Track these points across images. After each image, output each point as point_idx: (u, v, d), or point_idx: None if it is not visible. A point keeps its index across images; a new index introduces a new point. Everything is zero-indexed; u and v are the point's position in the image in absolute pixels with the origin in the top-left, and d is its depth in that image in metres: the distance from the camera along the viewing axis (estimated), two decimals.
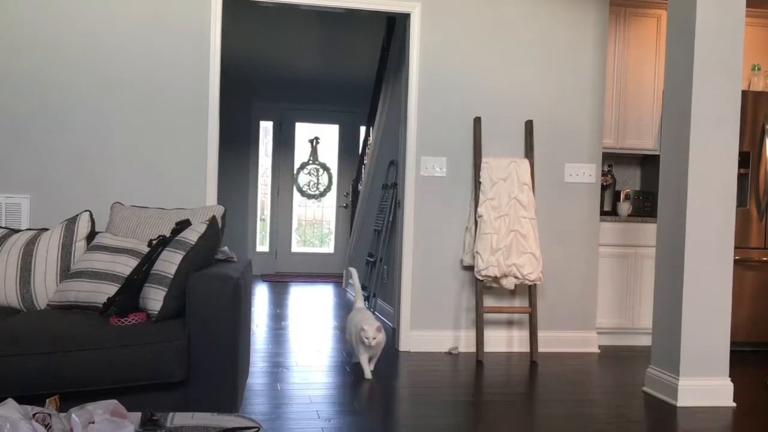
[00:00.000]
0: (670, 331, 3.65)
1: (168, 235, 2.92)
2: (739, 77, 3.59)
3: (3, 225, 4.17)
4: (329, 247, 9.59)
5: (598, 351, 4.88)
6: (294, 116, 9.36)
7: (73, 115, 4.31)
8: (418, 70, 4.69)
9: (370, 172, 7.21)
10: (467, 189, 4.77)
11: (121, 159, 4.37)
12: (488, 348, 4.76)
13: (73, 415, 1.63)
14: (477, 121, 4.71)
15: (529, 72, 4.83)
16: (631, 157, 5.68)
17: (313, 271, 9.38)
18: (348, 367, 4.15)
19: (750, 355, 4.85)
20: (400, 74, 5.46)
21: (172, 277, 2.70)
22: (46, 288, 3.05)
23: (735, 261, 4.74)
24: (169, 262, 2.74)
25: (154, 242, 2.84)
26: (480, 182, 4.62)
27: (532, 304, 4.62)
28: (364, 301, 4.49)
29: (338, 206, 9.52)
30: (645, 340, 5.07)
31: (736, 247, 4.74)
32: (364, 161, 7.88)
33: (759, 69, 5.28)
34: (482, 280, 4.56)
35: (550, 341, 4.84)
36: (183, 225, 2.92)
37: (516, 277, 4.54)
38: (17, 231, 3.25)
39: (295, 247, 9.47)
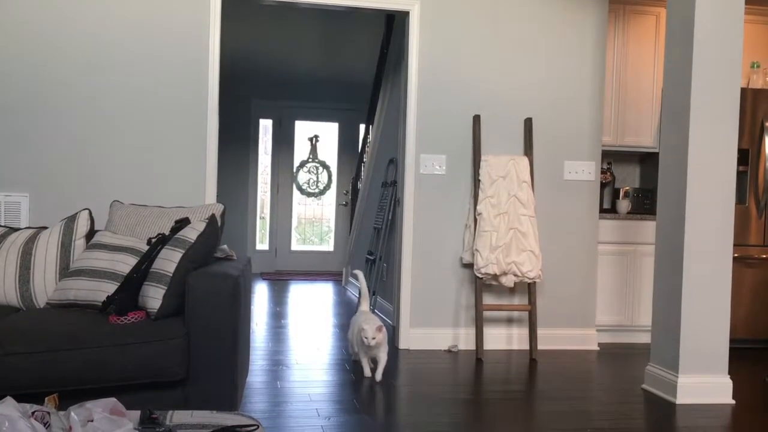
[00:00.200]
0: (669, 329, 3.66)
1: (167, 233, 2.92)
2: (738, 74, 3.59)
3: (2, 223, 4.17)
4: (329, 245, 9.59)
5: (598, 348, 4.88)
6: (293, 114, 9.35)
7: (72, 113, 4.31)
8: (417, 68, 4.69)
9: (370, 170, 7.21)
10: (467, 187, 4.77)
11: (121, 157, 4.37)
12: (488, 346, 4.76)
13: (72, 414, 1.63)
14: (476, 118, 4.71)
15: (529, 70, 4.82)
16: (630, 154, 5.68)
17: (313, 269, 9.38)
18: (348, 365, 4.15)
19: (749, 352, 4.85)
20: (400, 72, 5.45)
21: (171, 275, 2.70)
22: (46, 286, 3.05)
23: (734, 258, 4.75)
24: (169, 261, 2.74)
25: (154, 240, 2.84)
26: (479, 180, 4.62)
27: (532, 301, 4.62)
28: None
29: (338, 204, 9.52)
30: (644, 338, 5.07)
31: (735, 245, 4.74)
32: (364, 159, 7.88)
33: (758, 66, 5.28)
34: (482, 278, 4.56)
35: (550, 339, 4.84)
36: (182, 223, 2.92)
37: (515, 275, 4.54)
38: (16, 229, 3.25)
39: (295, 245, 9.47)
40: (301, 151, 9.45)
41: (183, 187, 4.42)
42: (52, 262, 3.10)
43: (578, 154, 4.89)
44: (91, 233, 3.27)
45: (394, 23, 6.30)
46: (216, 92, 4.46)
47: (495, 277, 4.56)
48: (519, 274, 4.53)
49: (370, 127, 7.43)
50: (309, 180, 9.48)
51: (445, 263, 4.76)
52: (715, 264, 3.59)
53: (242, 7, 8.19)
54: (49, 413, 1.68)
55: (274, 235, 9.34)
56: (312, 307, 6.40)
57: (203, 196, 4.44)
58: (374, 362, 3.85)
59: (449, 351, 4.68)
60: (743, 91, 4.87)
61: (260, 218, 9.35)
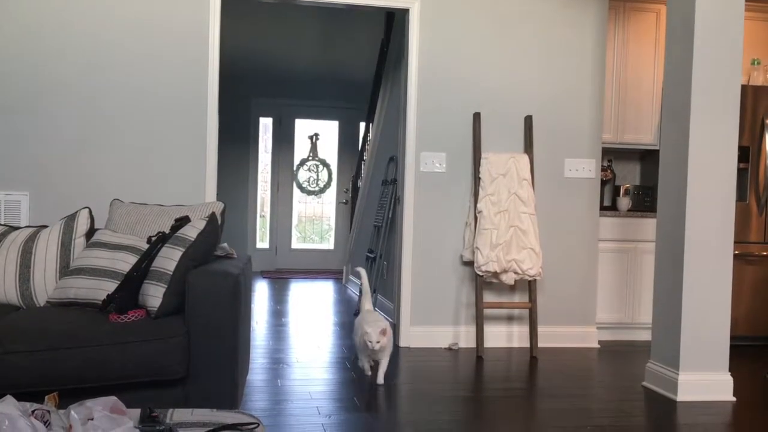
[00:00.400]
0: (669, 326, 3.66)
1: (167, 231, 2.91)
2: (738, 71, 3.58)
3: (2, 222, 4.17)
4: (329, 244, 9.59)
5: (598, 346, 4.88)
6: (293, 112, 9.35)
7: (72, 113, 4.30)
8: (417, 66, 4.69)
9: (370, 168, 7.20)
10: (467, 185, 4.77)
11: (121, 156, 4.36)
12: (488, 343, 4.76)
13: (72, 412, 1.63)
14: (476, 116, 4.70)
15: (529, 67, 4.82)
16: (630, 152, 5.67)
17: (313, 268, 9.38)
18: (348, 363, 4.15)
19: (750, 350, 4.85)
20: (400, 70, 5.45)
21: (171, 273, 2.70)
22: (46, 285, 3.05)
23: (735, 255, 4.74)
24: (169, 259, 2.73)
25: (154, 239, 2.84)
26: (479, 178, 4.62)
27: (532, 299, 4.62)
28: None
29: (338, 202, 9.52)
30: (645, 335, 5.07)
31: (735, 242, 4.73)
32: (364, 157, 7.88)
33: (758, 63, 5.27)
34: (482, 276, 4.56)
35: (550, 336, 4.84)
36: (182, 222, 2.92)
37: (516, 273, 4.54)
38: (16, 228, 3.25)
39: (295, 244, 9.47)
40: (301, 149, 9.45)
41: (183, 187, 4.42)
42: (52, 261, 3.10)
43: (578, 151, 4.88)
44: (91, 232, 3.27)
45: (394, 21, 6.30)
46: (216, 91, 4.46)
47: (495, 274, 4.56)
48: (519, 271, 4.53)
49: (370, 125, 7.43)
50: (309, 178, 9.48)
51: (446, 261, 4.76)
52: (716, 261, 3.58)
53: (241, 6, 8.19)
54: (49, 412, 1.68)
55: (275, 233, 9.34)
56: (312, 306, 6.40)
57: (203, 195, 4.44)
58: (375, 363, 3.71)
59: (450, 349, 4.68)
60: (744, 88, 4.86)
61: (260, 216, 9.35)
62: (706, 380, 3.57)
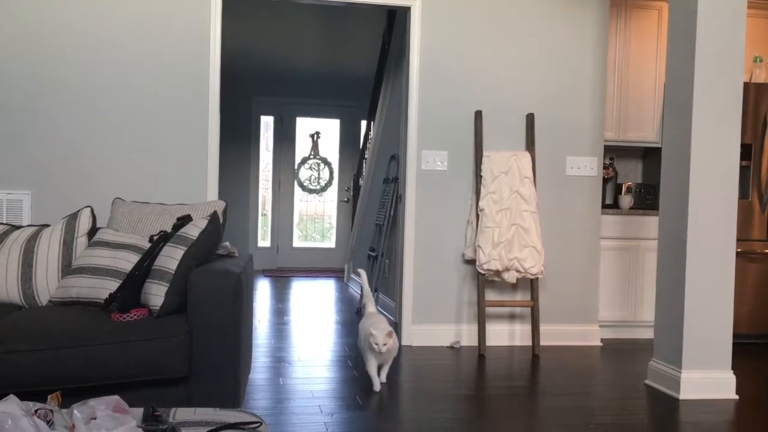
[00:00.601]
0: (672, 324, 3.65)
1: (169, 230, 2.91)
2: (740, 69, 3.58)
3: (4, 221, 4.17)
4: (330, 242, 9.58)
5: (600, 344, 4.88)
6: (295, 111, 9.34)
7: (73, 111, 4.30)
8: (418, 64, 4.68)
9: (371, 167, 7.20)
10: (468, 183, 4.76)
11: (122, 155, 4.36)
12: (490, 342, 4.76)
13: (75, 411, 1.63)
14: (478, 114, 4.70)
15: (530, 65, 4.81)
16: (632, 149, 5.66)
17: (315, 266, 9.38)
18: (350, 362, 4.15)
19: (752, 348, 4.85)
20: (401, 68, 5.44)
21: (173, 272, 2.70)
22: (48, 284, 3.05)
23: (737, 253, 4.72)
24: (171, 258, 2.73)
25: (156, 238, 2.84)
26: (481, 176, 4.61)
27: (534, 297, 4.61)
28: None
29: (339, 201, 9.51)
30: (647, 333, 5.06)
31: (738, 240, 4.71)
32: (365, 155, 7.87)
33: (761, 61, 5.26)
34: (484, 274, 4.56)
35: (552, 335, 4.83)
36: (184, 220, 2.91)
37: (518, 271, 4.53)
38: (18, 227, 3.25)
39: (297, 242, 9.47)
40: (302, 147, 9.44)
41: (184, 186, 4.42)
42: (54, 260, 3.10)
43: (580, 149, 4.88)
44: (93, 231, 3.27)
45: (396, 19, 6.29)
46: (217, 90, 4.45)
47: (497, 273, 4.56)
48: (521, 270, 4.52)
49: (372, 123, 7.42)
50: (310, 176, 9.48)
51: (447, 259, 4.76)
52: (718, 259, 3.58)
53: (241, 5, 8.18)
54: (52, 411, 1.68)
55: (276, 232, 9.34)
56: (314, 304, 6.40)
57: (205, 193, 4.44)
58: (379, 366, 3.62)
59: (452, 347, 4.68)
60: (746, 85, 4.86)
61: (262, 215, 9.34)
62: (708, 378, 3.57)
